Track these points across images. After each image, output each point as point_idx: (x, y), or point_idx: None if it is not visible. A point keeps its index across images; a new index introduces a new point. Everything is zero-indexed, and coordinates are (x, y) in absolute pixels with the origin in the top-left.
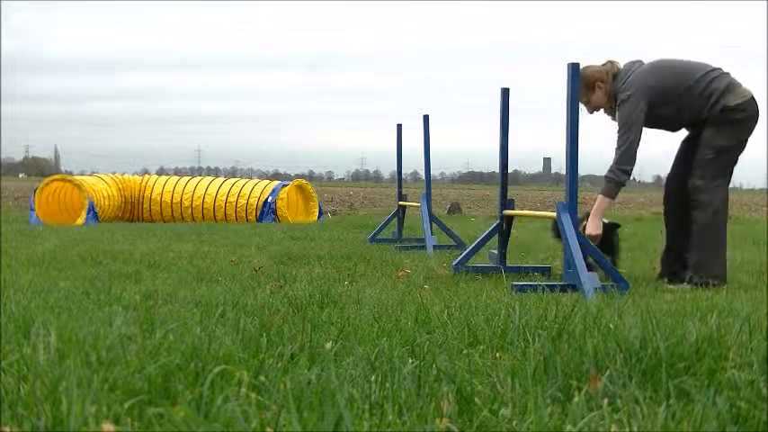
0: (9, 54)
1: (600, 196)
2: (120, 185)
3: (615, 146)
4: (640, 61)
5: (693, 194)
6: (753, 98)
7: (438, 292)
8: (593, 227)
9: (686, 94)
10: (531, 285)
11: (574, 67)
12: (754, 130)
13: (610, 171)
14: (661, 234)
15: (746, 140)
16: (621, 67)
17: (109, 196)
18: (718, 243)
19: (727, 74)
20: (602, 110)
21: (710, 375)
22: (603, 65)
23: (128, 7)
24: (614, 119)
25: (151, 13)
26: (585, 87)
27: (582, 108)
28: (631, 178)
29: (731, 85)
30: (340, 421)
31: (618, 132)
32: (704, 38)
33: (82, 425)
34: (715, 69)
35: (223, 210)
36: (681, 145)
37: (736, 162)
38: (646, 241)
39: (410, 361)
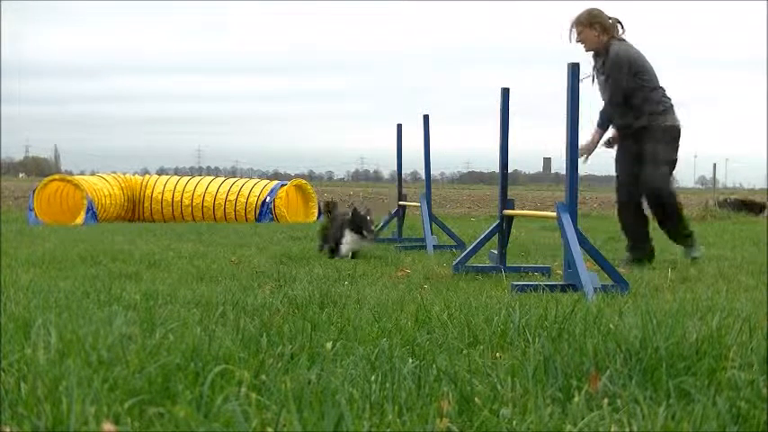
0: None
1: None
2: (122, 184)
3: None
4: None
5: None
6: None
7: (438, 291)
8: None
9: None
10: (531, 285)
11: (574, 67)
12: None
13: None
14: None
15: None
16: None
17: (110, 195)
18: None
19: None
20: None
21: (710, 375)
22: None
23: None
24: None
25: (152, 20)
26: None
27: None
28: None
29: None
30: (340, 421)
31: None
32: (704, 41)
33: (82, 425)
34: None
35: (222, 208)
36: None
37: None
38: None
39: (410, 361)
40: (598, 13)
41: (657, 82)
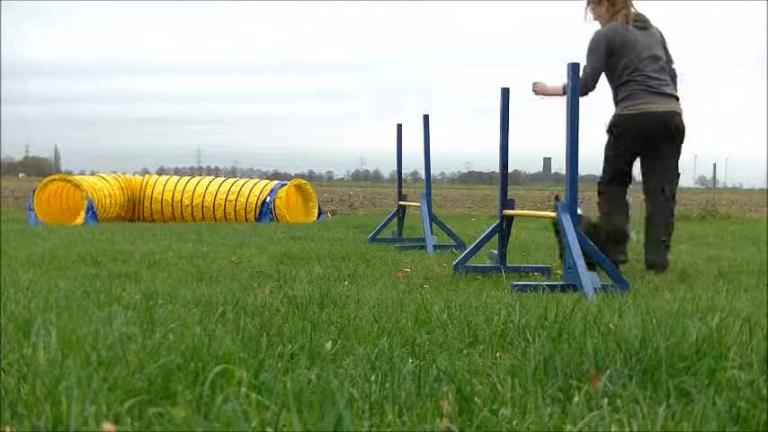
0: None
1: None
2: (122, 184)
3: None
4: None
5: None
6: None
7: (438, 292)
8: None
9: None
10: (531, 285)
11: (573, 67)
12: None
13: None
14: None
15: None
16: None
17: (110, 195)
18: None
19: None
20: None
21: (710, 375)
22: None
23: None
24: None
25: (153, 23)
26: None
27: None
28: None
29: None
30: (340, 421)
31: None
32: (704, 41)
33: (82, 425)
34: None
35: (222, 208)
36: None
37: None
38: None
39: (410, 361)
40: None
41: (630, 71)
